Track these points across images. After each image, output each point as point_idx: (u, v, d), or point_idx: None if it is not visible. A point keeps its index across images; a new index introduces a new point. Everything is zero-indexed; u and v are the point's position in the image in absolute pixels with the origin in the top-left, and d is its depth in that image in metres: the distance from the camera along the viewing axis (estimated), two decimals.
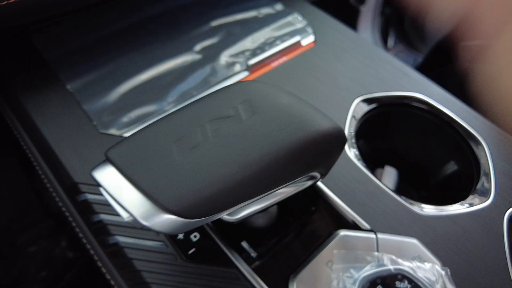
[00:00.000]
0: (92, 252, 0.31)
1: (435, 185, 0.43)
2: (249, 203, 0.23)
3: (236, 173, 0.21)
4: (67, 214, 0.33)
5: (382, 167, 0.45)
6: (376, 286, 0.24)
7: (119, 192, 0.21)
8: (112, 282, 0.30)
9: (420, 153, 0.44)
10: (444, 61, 0.73)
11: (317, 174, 0.26)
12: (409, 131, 0.44)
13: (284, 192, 0.26)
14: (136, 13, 0.46)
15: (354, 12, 1.21)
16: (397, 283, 0.24)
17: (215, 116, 0.23)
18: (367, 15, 1.24)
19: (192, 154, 0.21)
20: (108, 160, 0.22)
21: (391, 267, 0.25)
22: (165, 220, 0.20)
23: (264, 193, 0.22)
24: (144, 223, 0.20)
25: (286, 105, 0.24)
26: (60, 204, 0.34)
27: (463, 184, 0.39)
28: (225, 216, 0.24)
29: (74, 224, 0.33)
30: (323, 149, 0.24)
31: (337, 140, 0.25)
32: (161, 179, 0.20)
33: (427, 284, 0.24)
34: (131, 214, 0.20)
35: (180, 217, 0.20)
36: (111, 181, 0.21)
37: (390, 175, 0.45)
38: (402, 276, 0.25)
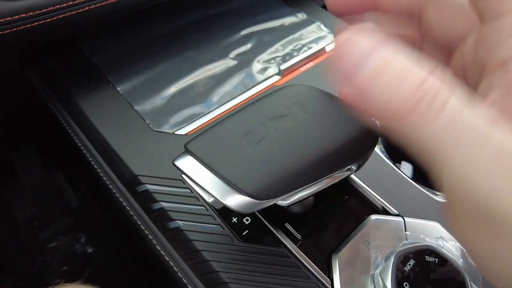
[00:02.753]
0: (150, 237, 0.35)
1: None
2: (302, 189, 0.27)
3: (296, 162, 0.25)
4: (124, 204, 0.37)
5: (399, 163, 0.50)
6: (409, 260, 0.28)
7: (201, 178, 0.25)
8: (171, 263, 0.34)
9: None
10: None
11: (356, 166, 0.30)
12: None
13: (328, 181, 0.30)
14: (173, 20, 0.50)
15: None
16: (426, 257, 0.29)
17: (274, 115, 0.27)
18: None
19: (259, 146, 0.26)
20: (187, 151, 0.26)
21: (420, 244, 0.30)
22: (242, 200, 0.24)
23: (317, 180, 0.27)
24: (225, 203, 0.24)
25: (332, 105, 0.28)
26: (117, 195, 0.38)
27: None
28: (279, 201, 0.29)
29: (132, 213, 0.36)
30: (365, 143, 0.28)
31: (375, 135, 0.29)
32: (236, 167, 0.25)
33: (451, 258, 0.29)
34: (213, 197, 0.24)
35: (253, 199, 0.24)
36: (193, 169, 0.25)
37: (406, 170, 0.49)
38: (430, 251, 0.29)
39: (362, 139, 0.28)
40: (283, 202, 0.29)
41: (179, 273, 0.33)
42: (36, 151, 0.95)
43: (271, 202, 0.25)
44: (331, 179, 0.30)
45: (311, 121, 0.27)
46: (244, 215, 0.33)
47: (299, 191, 0.28)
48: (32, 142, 0.86)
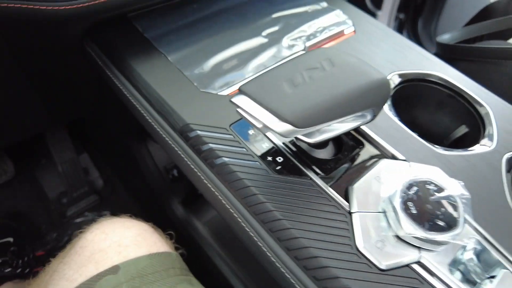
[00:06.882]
0: (199, 174, 0.42)
1: (448, 145, 0.54)
2: (327, 126, 0.34)
3: (327, 100, 0.33)
4: (176, 149, 0.45)
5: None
6: (412, 186, 0.35)
7: (253, 110, 0.32)
8: (216, 193, 0.41)
9: (436, 120, 0.55)
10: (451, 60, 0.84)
11: (372, 114, 0.38)
12: (427, 103, 0.55)
13: (347, 125, 0.37)
14: (211, 5, 0.58)
15: (371, 16, 1.32)
16: (426, 185, 0.36)
17: (308, 67, 0.35)
18: (383, 19, 1.35)
19: (297, 89, 0.33)
20: (241, 92, 0.33)
21: (423, 177, 0.37)
22: (284, 127, 0.32)
23: (343, 116, 0.34)
24: (272, 128, 0.31)
25: (354, 62, 0.36)
26: (170, 142, 0.45)
27: (471, 141, 0.50)
28: (305, 138, 0.36)
29: (183, 156, 0.44)
30: (378, 91, 0.36)
31: (387, 86, 0.36)
32: (280, 102, 0.32)
33: (448, 187, 0.36)
34: (263, 124, 0.32)
35: (293, 126, 0.31)
36: (246, 104, 0.33)
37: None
38: (430, 182, 0.36)
39: (379, 89, 0.35)
40: (308, 139, 0.36)
41: (222, 201, 0.40)
42: (68, 133, 1.03)
43: (307, 131, 0.33)
44: (351, 123, 0.37)
45: (339, 71, 0.35)
46: (276, 155, 0.41)
47: (326, 128, 0.35)
48: (72, 118, 0.94)
